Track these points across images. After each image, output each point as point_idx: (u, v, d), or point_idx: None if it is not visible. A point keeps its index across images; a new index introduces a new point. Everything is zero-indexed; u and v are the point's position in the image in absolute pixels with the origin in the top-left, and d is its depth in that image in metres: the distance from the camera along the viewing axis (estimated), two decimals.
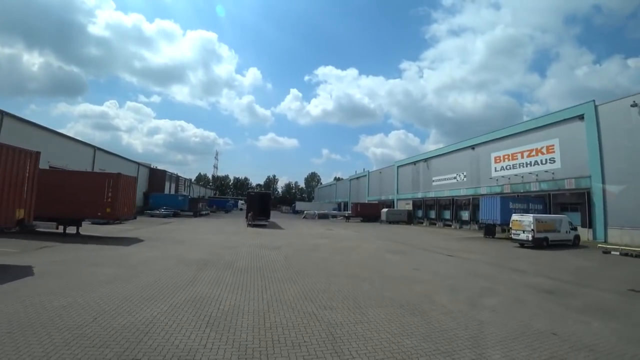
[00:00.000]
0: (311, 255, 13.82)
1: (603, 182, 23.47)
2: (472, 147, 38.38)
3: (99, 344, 4.36)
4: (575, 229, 21.43)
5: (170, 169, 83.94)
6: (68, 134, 35.43)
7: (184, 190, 69.76)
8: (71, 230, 16.55)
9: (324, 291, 7.74)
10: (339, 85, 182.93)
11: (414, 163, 51.08)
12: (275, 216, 49.03)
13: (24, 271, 8.42)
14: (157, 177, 55.83)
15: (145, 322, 5.25)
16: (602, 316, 6.61)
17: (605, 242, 21.96)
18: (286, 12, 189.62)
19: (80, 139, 37.09)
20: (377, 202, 57.34)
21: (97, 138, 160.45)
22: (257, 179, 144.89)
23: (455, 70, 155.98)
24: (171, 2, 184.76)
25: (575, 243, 20.70)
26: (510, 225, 20.48)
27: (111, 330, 4.85)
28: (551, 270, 11.97)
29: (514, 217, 20.41)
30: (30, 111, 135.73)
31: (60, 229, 16.28)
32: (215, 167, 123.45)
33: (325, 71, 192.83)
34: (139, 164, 50.73)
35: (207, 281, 8.29)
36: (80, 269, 8.96)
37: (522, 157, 31.35)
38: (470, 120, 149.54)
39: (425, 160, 47.97)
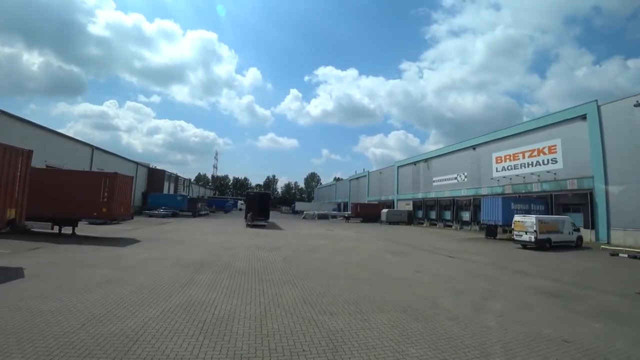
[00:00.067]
0: (310, 256, 13.57)
1: (606, 183, 23.20)
2: (473, 147, 38.08)
3: (85, 353, 4.10)
4: (578, 230, 21.18)
5: (170, 169, 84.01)
6: (67, 134, 35.26)
7: (183, 190, 69.45)
8: (67, 230, 16.31)
9: (324, 295, 7.49)
10: (339, 86, 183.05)
11: (414, 163, 50.79)
12: (274, 216, 48.80)
13: (14, 273, 8.15)
14: (156, 176, 55.49)
15: (136, 328, 4.99)
16: (612, 321, 6.36)
17: (608, 243, 21.69)
18: (286, 12, 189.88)
19: (79, 138, 36.93)
20: (377, 202, 57.00)
21: (96, 138, 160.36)
22: (256, 179, 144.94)
23: (455, 71, 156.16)
24: (171, 2, 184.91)
25: (578, 244, 20.44)
26: (513, 226, 20.22)
27: (99, 337, 4.59)
28: (555, 273, 11.72)
29: (517, 218, 20.14)
30: (30, 111, 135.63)
31: (56, 230, 16.02)
32: (215, 167, 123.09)
33: (325, 71, 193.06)
34: (137, 163, 50.43)
35: (203, 284, 8.03)
36: (72, 271, 8.70)
37: (524, 157, 31.06)
38: (470, 121, 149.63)
39: (426, 160, 47.68)
